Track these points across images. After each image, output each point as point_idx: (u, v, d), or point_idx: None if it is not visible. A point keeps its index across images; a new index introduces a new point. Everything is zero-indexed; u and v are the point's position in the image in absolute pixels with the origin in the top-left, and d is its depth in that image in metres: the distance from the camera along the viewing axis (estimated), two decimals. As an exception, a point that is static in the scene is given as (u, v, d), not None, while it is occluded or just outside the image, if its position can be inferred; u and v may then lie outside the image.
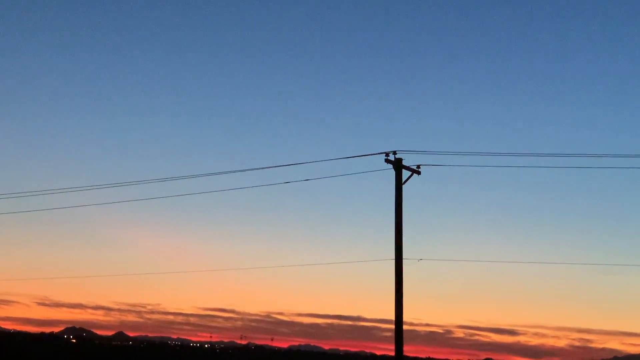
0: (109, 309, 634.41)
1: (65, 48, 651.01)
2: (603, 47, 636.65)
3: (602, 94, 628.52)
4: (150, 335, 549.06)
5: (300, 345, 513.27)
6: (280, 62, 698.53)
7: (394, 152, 37.26)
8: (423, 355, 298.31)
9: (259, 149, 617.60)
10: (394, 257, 36.56)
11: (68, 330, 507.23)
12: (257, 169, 45.14)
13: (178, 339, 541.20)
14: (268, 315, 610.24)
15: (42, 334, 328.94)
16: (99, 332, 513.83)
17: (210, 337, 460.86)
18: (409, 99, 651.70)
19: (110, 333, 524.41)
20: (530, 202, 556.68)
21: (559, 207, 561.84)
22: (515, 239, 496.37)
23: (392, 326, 36.28)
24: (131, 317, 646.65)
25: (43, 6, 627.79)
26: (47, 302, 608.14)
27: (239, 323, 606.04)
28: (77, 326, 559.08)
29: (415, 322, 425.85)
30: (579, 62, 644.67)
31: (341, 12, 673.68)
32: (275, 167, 44.30)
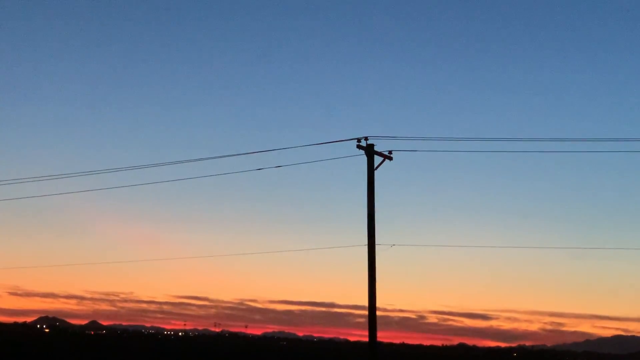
0: (82, 298, 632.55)
1: (30, 39, 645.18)
2: (570, 39, 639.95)
3: (573, 81, 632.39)
4: (124, 323, 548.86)
5: (274, 332, 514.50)
6: (252, 50, 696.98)
7: (366, 138, 37.20)
8: (397, 341, 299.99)
9: (230, 136, 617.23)
10: (366, 243, 36.53)
11: (41, 320, 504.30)
12: (228, 156, 44.87)
13: (152, 327, 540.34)
14: (241, 303, 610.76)
15: (15, 323, 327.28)
16: (73, 322, 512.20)
17: (184, 324, 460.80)
18: (380, 85, 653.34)
19: (84, 322, 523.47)
20: (502, 188, 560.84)
21: (530, 192, 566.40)
22: (487, 224, 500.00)
23: (366, 312, 36.33)
24: (104, 306, 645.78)
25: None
26: (19, 291, 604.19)
27: (212, 310, 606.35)
28: (50, 315, 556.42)
29: (389, 307, 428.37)
30: (548, 50, 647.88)
31: (313, 1, 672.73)
32: (246, 154, 44.06)
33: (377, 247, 36.51)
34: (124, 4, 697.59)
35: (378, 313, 36.48)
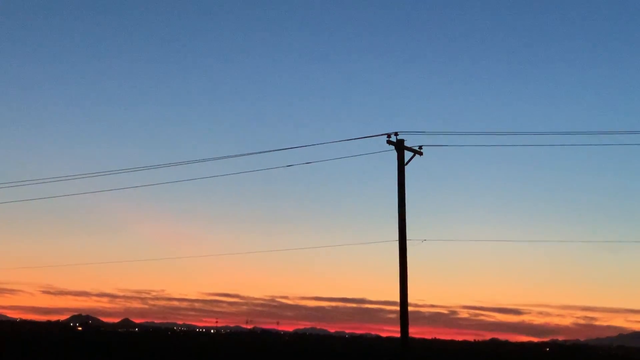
0: (114, 296, 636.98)
1: (58, 38, 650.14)
2: (594, 29, 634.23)
3: (602, 73, 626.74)
4: (156, 321, 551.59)
5: (306, 329, 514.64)
6: (281, 45, 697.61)
7: (396, 134, 37.11)
8: (428, 337, 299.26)
9: (260, 132, 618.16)
10: (397, 238, 36.41)
11: (74, 318, 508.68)
12: (258, 152, 44.93)
13: (184, 325, 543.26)
14: (272, 299, 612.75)
15: (49, 322, 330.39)
16: (105, 320, 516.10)
17: (216, 322, 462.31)
18: (410, 80, 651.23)
19: (116, 320, 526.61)
20: (532, 181, 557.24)
21: (561, 186, 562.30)
22: (518, 218, 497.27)
23: (397, 308, 36.20)
24: (136, 304, 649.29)
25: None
26: (51, 290, 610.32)
27: (244, 307, 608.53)
28: (83, 314, 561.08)
29: (420, 303, 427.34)
30: (581, 43, 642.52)
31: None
32: (276, 150, 44.11)
33: (408, 243, 36.39)
34: (148, 2, 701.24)
35: (409, 308, 36.38)
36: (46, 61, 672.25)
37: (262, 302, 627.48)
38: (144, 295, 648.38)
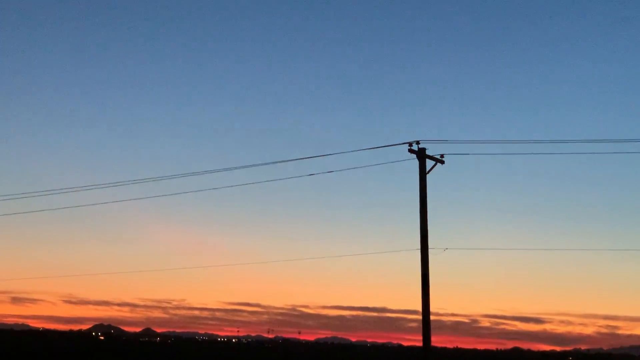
0: (135, 306, 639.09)
1: (82, 46, 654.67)
2: (611, 41, 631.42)
3: (624, 82, 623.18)
4: (177, 330, 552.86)
5: (327, 338, 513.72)
6: (302, 53, 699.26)
7: (417, 142, 37.05)
8: (450, 345, 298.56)
9: (282, 141, 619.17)
10: (419, 247, 36.35)
11: (96, 328, 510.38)
12: (280, 161, 44.99)
13: (205, 334, 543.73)
14: (293, 309, 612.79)
15: (71, 331, 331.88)
16: (127, 329, 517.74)
17: (238, 331, 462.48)
18: (431, 88, 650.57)
19: (137, 329, 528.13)
20: (555, 190, 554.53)
21: (584, 195, 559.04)
22: (540, 227, 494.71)
23: (418, 317, 36.17)
24: (157, 313, 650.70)
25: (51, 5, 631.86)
26: (73, 299, 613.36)
27: (264, 317, 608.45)
28: (105, 323, 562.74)
29: (441, 312, 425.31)
30: (608, 49, 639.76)
31: (364, 3, 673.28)
32: (298, 159, 44.17)
33: (429, 251, 36.30)
34: (189, 5, 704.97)
35: (431, 317, 36.25)
36: (70, 71, 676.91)
37: (283, 311, 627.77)
38: (165, 304, 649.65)
